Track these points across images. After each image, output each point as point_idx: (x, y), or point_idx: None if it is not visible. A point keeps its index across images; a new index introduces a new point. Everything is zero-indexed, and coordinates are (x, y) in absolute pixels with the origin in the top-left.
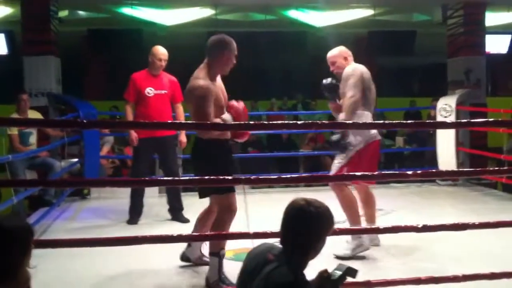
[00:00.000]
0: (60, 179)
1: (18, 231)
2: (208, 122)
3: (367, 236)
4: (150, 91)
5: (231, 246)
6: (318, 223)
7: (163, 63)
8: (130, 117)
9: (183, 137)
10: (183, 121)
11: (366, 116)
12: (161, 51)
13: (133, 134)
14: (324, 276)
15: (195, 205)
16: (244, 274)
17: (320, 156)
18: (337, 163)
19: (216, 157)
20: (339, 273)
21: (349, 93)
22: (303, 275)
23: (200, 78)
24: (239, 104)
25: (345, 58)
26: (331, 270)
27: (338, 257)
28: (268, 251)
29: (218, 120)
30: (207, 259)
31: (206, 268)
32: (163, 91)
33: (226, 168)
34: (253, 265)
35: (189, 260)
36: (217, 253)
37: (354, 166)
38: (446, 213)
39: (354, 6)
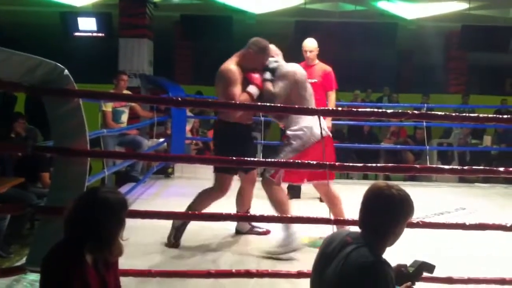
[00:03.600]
0: (151, 153)
1: (115, 203)
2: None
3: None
4: None
5: (307, 233)
6: (398, 205)
7: (309, 54)
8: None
9: (328, 122)
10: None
11: (304, 120)
12: (306, 44)
13: None
14: (402, 270)
15: None
16: (321, 257)
17: (401, 151)
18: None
19: (232, 138)
20: (413, 268)
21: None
22: (383, 257)
23: (229, 64)
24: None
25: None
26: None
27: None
28: (347, 234)
29: (245, 94)
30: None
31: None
32: (313, 80)
33: (238, 150)
34: (331, 248)
35: (241, 232)
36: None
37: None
38: None
39: None
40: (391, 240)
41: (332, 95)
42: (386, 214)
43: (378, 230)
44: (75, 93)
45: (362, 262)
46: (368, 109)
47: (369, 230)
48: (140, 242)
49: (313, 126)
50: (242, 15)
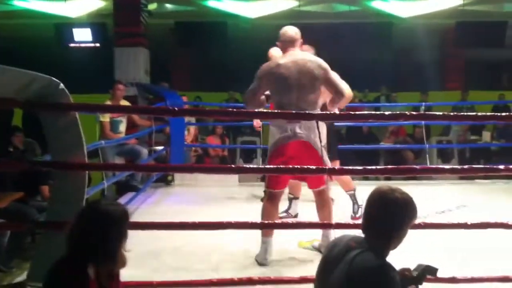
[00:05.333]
0: (150, 164)
1: (116, 214)
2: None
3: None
4: None
5: (309, 236)
6: (402, 209)
7: None
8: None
9: None
10: None
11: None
12: (275, 54)
13: (258, 123)
14: (405, 274)
15: None
16: (325, 262)
17: (401, 150)
18: None
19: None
20: (417, 272)
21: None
22: (388, 261)
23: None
24: None
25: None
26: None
27: None
28: (350, 239)
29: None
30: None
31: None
32: None
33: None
34: (335, 253)
35: None
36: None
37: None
38: None
39: None
40: (395, 244)
41: None
42: (390, 219)
43: (382, 234)
44: (71, 107)
45: (367, 267)
46: (365, 112)
47: (373, 234)
48: (141, 252)
49: (282, 125)
50: (237, 20)
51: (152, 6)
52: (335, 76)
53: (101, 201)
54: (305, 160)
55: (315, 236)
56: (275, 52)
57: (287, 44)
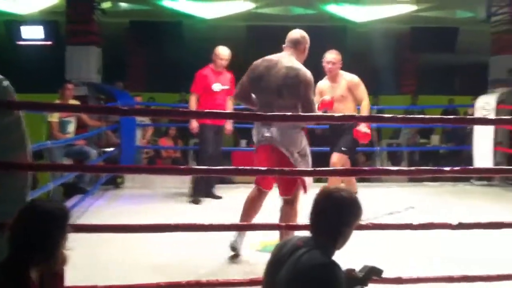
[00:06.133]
0: (98, 165)
1: (56, 213)
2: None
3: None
4: (216, 86)
5: (259, 238)
6: (347, 208)
7: (224, 63)
8: (194, 107)
9: (228, 125)
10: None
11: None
12: (222, 52)
13: (194, 123)
14: (351, 274)
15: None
16: (272, 262)
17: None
18: None
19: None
20: (362, 274)
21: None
22: (334, 260)
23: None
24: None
25: None
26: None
27: None
28: (298, 239)
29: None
30: None
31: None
32: (226, 87)
33: None
34: (282, 253)
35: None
36: None
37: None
38: (479, 212)
39: (396, 1)
40: (341, 243)
41: (230, 100)
42: (336, 217)
43: (328, 233)
44: (14, 105)
45: (313, 265)
46: (318, 113)
47: (320, 233)
48: (86, 255)
49: (259, 126)
50: (192, 20)
51: (107, 5)
52: (309, 93)
53: (40, 200)
54: (273, 166)
55: (268, 237)
56: (221, 50)
57: (285, 45)
